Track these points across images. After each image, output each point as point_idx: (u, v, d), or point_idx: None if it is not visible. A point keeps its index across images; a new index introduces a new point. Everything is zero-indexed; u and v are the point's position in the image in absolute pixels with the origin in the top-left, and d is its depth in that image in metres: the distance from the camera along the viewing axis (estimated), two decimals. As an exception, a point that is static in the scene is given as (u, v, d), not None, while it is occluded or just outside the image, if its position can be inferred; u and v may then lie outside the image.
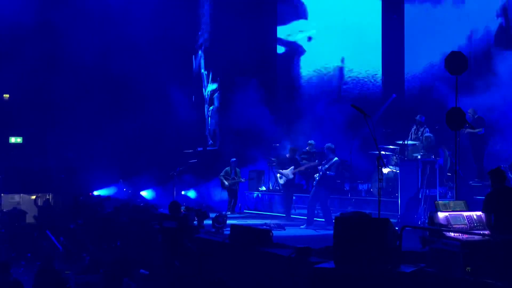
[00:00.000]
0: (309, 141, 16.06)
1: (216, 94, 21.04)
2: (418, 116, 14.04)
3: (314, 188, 12.60)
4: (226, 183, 16.02)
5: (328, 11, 19.09)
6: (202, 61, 21.76)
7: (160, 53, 20.26)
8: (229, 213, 14.90)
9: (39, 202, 20.11)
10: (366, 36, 18.45)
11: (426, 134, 12.73)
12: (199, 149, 20.84)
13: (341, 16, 18.77)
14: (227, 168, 16.24)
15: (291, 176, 13.87)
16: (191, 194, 18.03)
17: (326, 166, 12.24)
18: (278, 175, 14.22)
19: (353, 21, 18.56)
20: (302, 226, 12.15)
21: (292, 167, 13.89)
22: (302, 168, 14.10)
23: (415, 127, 13.79)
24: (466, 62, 10.29)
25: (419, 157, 12.01)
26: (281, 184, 14.29)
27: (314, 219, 12.36)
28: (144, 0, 19.98)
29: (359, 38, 18.33)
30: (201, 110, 21.74)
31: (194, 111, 21.54)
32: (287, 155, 14.39)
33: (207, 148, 20.86)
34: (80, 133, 21.89)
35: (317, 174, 12.45)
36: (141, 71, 19.90)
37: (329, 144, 12.52)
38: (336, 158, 12.28)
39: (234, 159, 16.43)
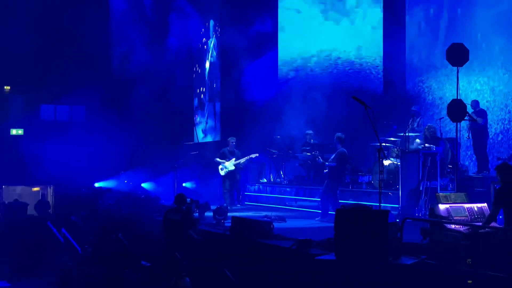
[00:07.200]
0: (307, 131, 16.04)
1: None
2: (413, 106, 14.02)
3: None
4: (227, 165, 14.73)
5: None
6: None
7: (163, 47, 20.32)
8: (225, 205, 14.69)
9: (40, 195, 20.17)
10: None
11: (429, 124, 12.69)
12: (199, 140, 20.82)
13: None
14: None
15: (232, 167, 14.72)
16: (192, 185, 18.04)
17: (332, 156, 12.31)
18: (220, 166, 14.90)
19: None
20: (316, 219, 12.16)
21: (234, 158, 14.79)
22: (243, 159, 14.87)
23: (411, 118, 13.76)
24: (467, 53, 10.28)
25: (420, 148, 12.00)
26: (222, 176, 14.91)
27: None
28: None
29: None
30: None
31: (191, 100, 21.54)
32: (228, 148, 15.06)
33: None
34: (82, 126, 21.98)
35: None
36: (138, 63, 19.91)
37: (338, 134, 12.42)
38: (341, 149, 12.24)
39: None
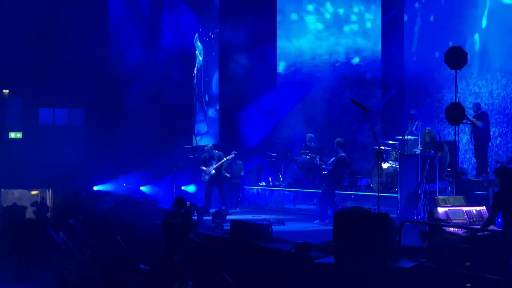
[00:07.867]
0: (308, 134, 16.03)
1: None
2: (411, 110, 14.03)
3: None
4: (207, 171, 14.81)
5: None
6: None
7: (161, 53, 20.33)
8: (224, 208, 14.27)
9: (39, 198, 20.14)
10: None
11: (427, 128, 12.69)
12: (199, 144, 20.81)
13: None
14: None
15: (213, 172, 14.73)
16: (191, 189, 18.01)
17: (331, 160, 12.33)
18: (203, 174, 14.99)
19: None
20: (315, 222, 12.14)
21: (214, 163, 14.81)
22: (222, 161, 14.86)
23: (410, 122, 13.73)
24: (466, 56, 10.30)
25: (418, 152, 12.00)
26: (206, 182, 14.94)
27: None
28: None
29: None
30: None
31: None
32: (207, 154, 15.11)
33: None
34: (80, 130, 21.98)
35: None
36: (137, 66, 19.92)
37: (338, 139, 12.41)
38: (341, 154, 12.21)
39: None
